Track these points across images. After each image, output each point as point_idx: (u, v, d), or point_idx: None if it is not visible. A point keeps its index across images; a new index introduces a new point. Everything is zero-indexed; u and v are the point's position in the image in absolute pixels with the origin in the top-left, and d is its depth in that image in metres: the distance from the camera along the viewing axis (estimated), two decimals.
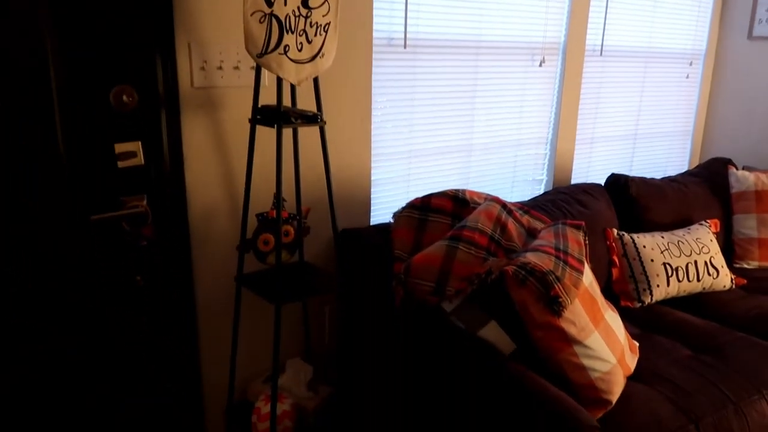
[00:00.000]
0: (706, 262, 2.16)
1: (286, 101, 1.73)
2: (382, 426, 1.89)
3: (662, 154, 3.08)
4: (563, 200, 2.19)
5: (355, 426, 1.91)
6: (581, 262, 1.60)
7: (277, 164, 1.52)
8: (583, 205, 2.19)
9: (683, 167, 3.22)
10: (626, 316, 2.03)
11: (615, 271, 2.14)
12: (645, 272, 2.09)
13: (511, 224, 1.77)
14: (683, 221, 2.42)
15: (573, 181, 2.71)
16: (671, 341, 1.84)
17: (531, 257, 1.51)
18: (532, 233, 1.83)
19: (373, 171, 2.10)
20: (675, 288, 2.12)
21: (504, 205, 1.83)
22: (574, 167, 2.70)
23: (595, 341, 1.47)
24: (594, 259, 2.11)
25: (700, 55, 3.06)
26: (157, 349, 1.77)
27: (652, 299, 2.08)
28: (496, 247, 1.68)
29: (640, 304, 2.08)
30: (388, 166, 2.15)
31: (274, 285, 1.69)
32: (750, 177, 2.53)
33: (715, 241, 2.26)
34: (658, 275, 2.09)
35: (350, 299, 1.96)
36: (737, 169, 2.79)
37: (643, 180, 2.39)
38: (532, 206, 2.12)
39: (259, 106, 1.63)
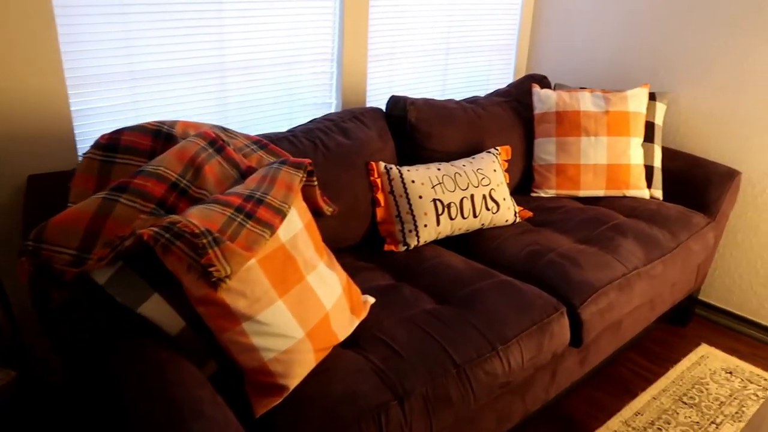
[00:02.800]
0: (484, 196, 1.94)
1: None
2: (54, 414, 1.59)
3: (483, 71, 2.81)
4: (324, 129, 1.87)
5: (33, 412, 1.60)
6: (280, 213, 1.29)
7: None
8: (346, 134, 1.88)
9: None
10: (386, 263, 1.79)
11: (379, 211, 1.87)
12: (412, 211, 1.84)
13: (212, 166, 1.42)
14: (475, 149, 2.17)
15: (369, 103, 2.39)
16: (419, 292, 1.62)
17: (193, 213, 1.18)
18: (249, 175, 1.50)
19: (75, 99, 1.67)
20: (448, 227, 1.89)
21: (214, 140, 1.48)
22: (369, 87, 2.36)
23: (275, 314, 1.20)
24: (351, 197, 1.82)
25: None
26: None
27: (418, 241, 1.85)
28: (178, 198, 1.33)
29: (406, 247, 1.84)
30: (99, 92, 1.72)
31: None
32: (552, 96, 2.31)
33: (500, 170, 2.03)
34: (426, 214, 1.84)
35: None
36: (550, 87, 2.57)
37: (427, 102, 2.10)
38: (279, 138, 1.78)
39: None
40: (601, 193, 2.27)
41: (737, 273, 2.42)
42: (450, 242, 1.97)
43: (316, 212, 1.63)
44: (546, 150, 2.29)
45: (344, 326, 1.37)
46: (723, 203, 2.24)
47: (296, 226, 1.34)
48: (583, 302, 1.67)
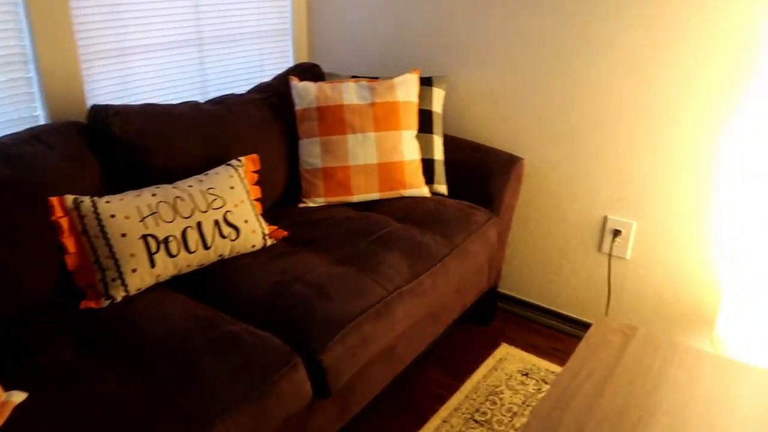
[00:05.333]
0: (217, 221, 1.60)
1: None
2: None
3: (254, 62, 2.45)
4: None
5: None
6: None
7: None
8: (12, 163, 1.44)
9: None
10: (81, 326, 1.39)
11: (70, 259, 1.46)
12: (113, 254, 1.46)
13: None
14: (219, 161, 1.82)
15: None
16: (102, 368, 1.25)
17: None
18: None
19: None
20: (170, 266, 1.53)
21: None
22: (90, 94, 1.92)
23: None
24: (22, 245, 1.40)
25: None
26: None
27: (128, 291, 1.47)
28: None
29: (110, 300, 1.46)
30: None
31: None
32: (311, 90, 2.00)
33: (241, 186, 1.70)
34: (133, 255, 1.47)
35: None
36: (323, 77, 2.28)
37: (142, 110, 1.70)
38: None
39: None
40: (376, 196, 2.02)
41: (533, 262, 2.30)
42: (185, 281, 1.62)
43: None
44: (311, 152, 1.99)
45: None
46: (506, 193, 2.08)
47: None
48: (325, 346, 1.39)
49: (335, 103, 1.98)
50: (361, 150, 1.97)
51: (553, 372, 2.05)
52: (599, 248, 2.13)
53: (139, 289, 1.49)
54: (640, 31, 1.85)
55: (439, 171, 2.12)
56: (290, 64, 2.59)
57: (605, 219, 2.08)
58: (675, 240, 1.97)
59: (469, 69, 2.23)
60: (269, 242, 1.73)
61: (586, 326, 2.24)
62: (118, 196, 1.52)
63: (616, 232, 2.06)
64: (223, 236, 1.60)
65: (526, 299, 2.36)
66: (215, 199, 1.61)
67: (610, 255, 2.11)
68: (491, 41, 2.14)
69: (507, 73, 2.15)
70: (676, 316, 2.03)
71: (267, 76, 2.50)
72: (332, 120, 1.97)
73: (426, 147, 2.10)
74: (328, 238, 1.77)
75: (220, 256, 1.63)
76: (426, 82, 2.15)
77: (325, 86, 2.01)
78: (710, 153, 1.83)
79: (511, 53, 2.12)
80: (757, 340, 1.62)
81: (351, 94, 2.00)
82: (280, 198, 2.02)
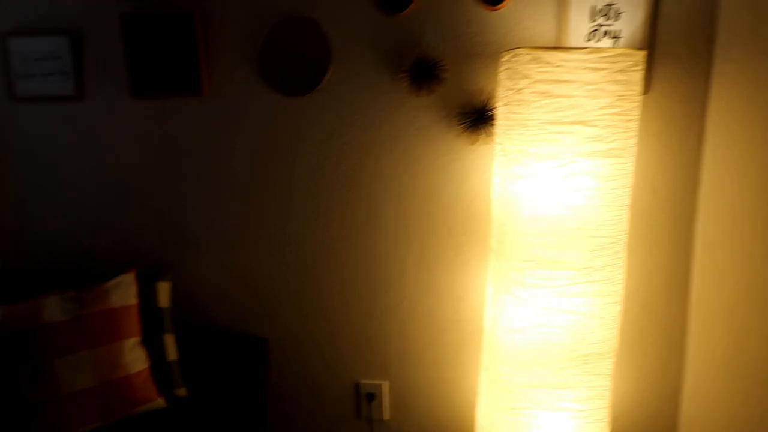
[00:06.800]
0: None
1: None
2: None
3: None
4: None
5: None
6: None
7: None
8: None
9: None
10: None
11: None
12: None
13: None
14: None
15: None
16: None
17: None
18: None
19: None
20: None
21: None
22: None
23: None
24: None
25: None
26: None
27: None
28: None
29: None
30: None
31: None
32: None
33: None
34: None
35: None
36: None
37: None
38: None
39: None
40: (97, 425, 1.69)
41: None
42: None
43: None
44: None
45: None
46: (254, 380, 1.94)
47: None
48: None
49: (32, 326, 1.66)
50: (74, 375, 1.66)
51: None
52: (357, 415, 2.09)
53: None
54: (342, 205, 1.98)
55: (176, 373, 1.89)
56: None
57: (357, 384, 2.07)
58: (425, 392, 2.03)
59: (197, 253, 2.11)
60: None
61: None
62: None
63: (370, 396, 2.06)
64: None
65: None
66: None
67: (370, 420, 2.08)
68: (213, 224, 2.08)
69: (237, 255, 2.08)
70: None
71: None
72: (32, 345, 1.64)
73: (156, 350, 1.88)
74: None
75: None
76: (148, 277, 1.96)
77: (15, 308, 1.68)
78: (443, 302, 1.98)
79: (238, 234, 2.07)
80: None
81: (53, 309, 1.71)
82: None
